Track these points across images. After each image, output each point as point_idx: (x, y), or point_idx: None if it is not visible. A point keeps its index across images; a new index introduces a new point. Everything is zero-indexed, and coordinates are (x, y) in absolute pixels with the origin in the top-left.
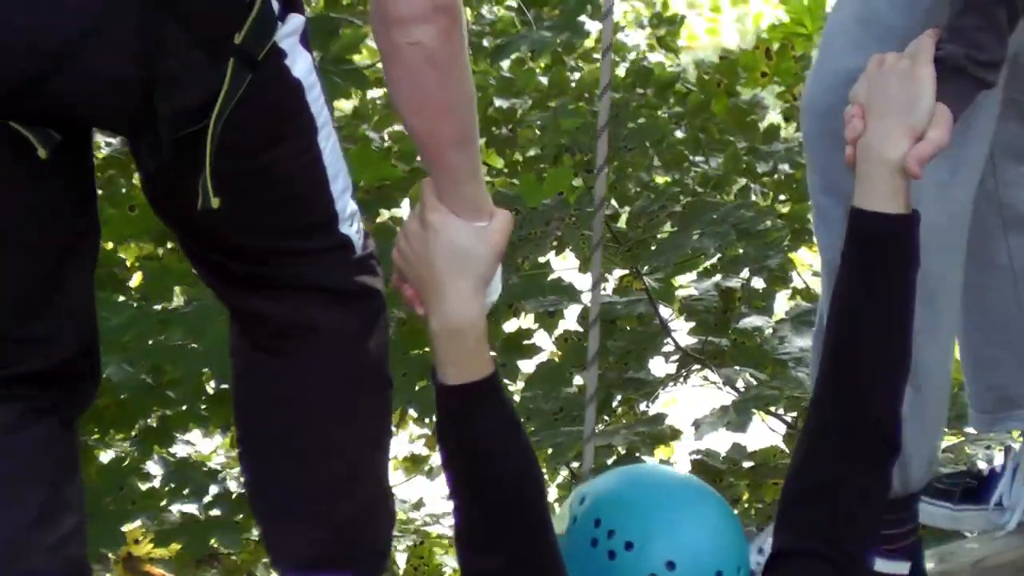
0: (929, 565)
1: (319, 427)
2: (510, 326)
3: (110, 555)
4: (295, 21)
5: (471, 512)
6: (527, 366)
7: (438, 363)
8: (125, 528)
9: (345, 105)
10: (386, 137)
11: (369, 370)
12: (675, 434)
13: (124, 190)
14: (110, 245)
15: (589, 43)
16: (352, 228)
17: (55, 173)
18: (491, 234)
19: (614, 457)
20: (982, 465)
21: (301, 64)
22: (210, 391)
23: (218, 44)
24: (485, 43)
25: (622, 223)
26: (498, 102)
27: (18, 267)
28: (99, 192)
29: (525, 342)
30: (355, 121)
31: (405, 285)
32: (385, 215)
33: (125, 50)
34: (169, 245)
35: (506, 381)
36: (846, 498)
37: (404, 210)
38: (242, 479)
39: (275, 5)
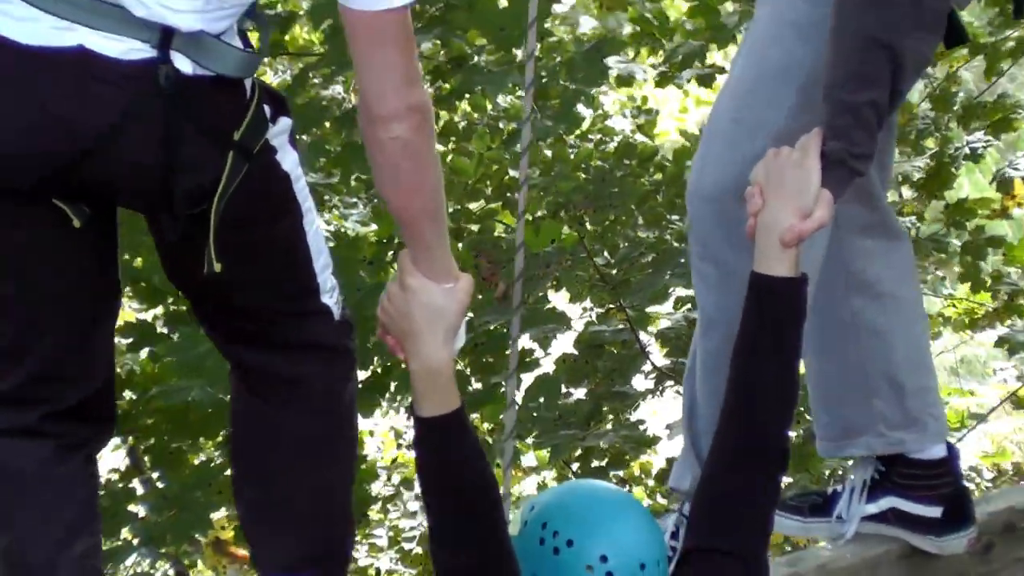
0: (782, 569)
1: (305, 464)
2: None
3: (201, 539)
4: (284, 123)
5: (442, 516)
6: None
7: (416, 398)
8: (213, 516)
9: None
10: None
11: (344, 415)
12: (654, 440)
13: None
14: None
15: (586, 125)
16: (331, 299)
17: (87, 241)
18: (457, 293)
19: (606, 459)
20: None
21: (289, 159)
22: None
23: (221, 139)
24: (501, 125)
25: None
26: (512, 172)
27: (57, 320)
28: None
29: (527, 360)
30: None
31: (388, 336)
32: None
33: (149, 142)
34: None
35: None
36: (748, 503)
37: None
38: None
39: (267, 109)
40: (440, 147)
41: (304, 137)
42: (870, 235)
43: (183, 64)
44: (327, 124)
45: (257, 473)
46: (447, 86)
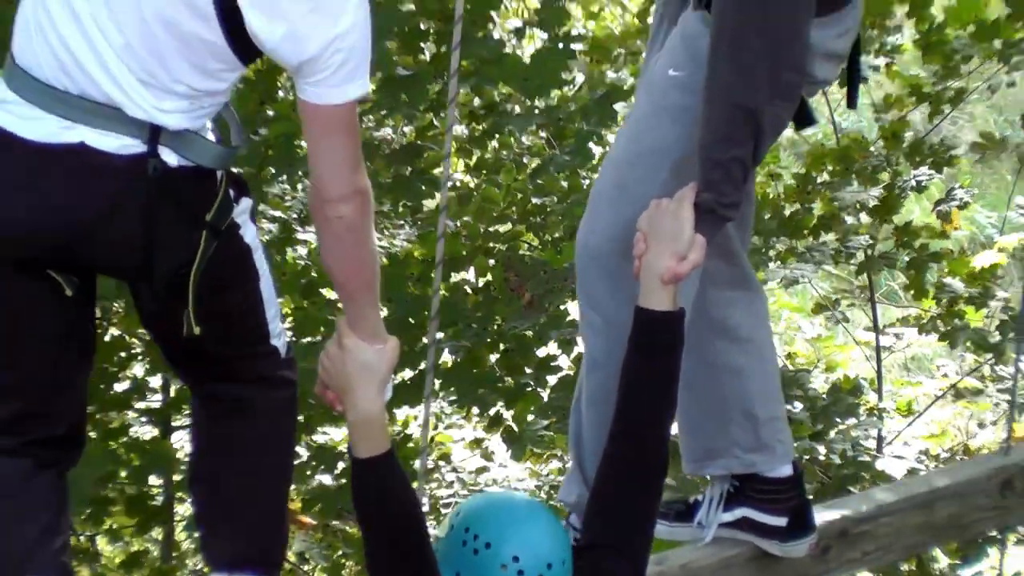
0: (650, 568)
1: (254, 474)
2: (541, 352)
3: None
4: (245, 203)
5: (377, 545)
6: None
7: (352, 443)
8: None
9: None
10: (458, 224)
11: (287, 435)
12: None
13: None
14: None
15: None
16: (279, 341)
17: (73, 305)
18: (387, 352)
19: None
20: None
21: (250, 233)
22: None
23: (195, 220)
24: (524, 160)
25: None
26: (535, 200)
27: (44, 368)
28: None
29: (552, 363)
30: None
31: (327, 391)
32: (456, 276)
33: (134, 225)
34: (314, 299)
35: (538, 389)
36: (632, 507)
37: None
38: None
39: (232, 192)
40: (474, 179)
41: None
42: (731, 288)
43: (169, 157)
44: (379, 160)
45: (208, 477)
46: (480, 127)
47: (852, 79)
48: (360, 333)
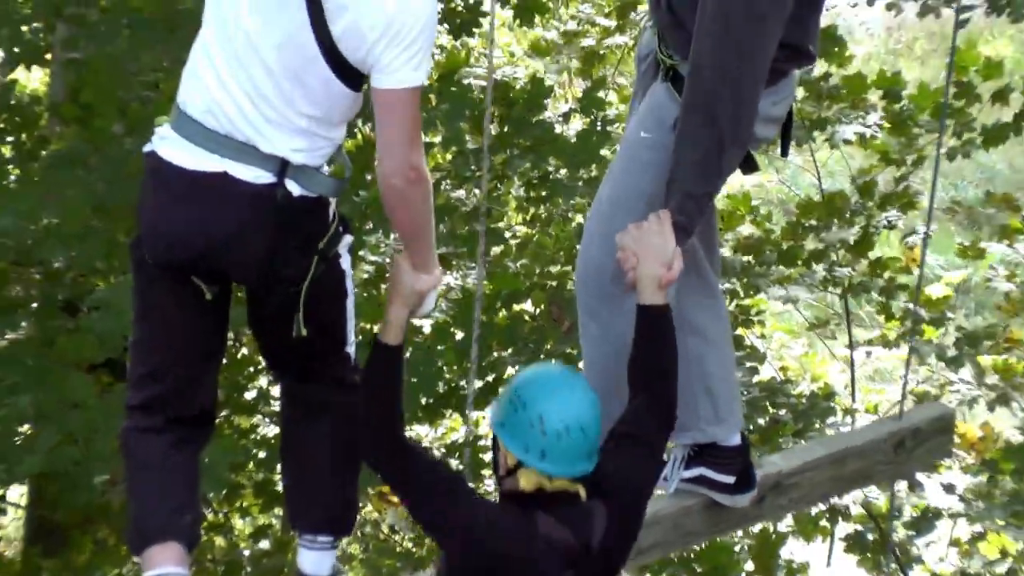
0: None
1: (328, 459)
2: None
3: (369, 490)
4: (347, 238)
5: (381, 400)
6: None
7: (382, 331)
8: None
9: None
10: (517, 265)
11: (350, 423)
12: None
13: (373, 293)
14: None
15: None
16: (352, 349)
17: (211, 308)
18: (421, 278)
19: None
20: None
21: (346, 262)
22: (422, 402)
23: (309, 247)
24: (570, 215)
25: None
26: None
27: (186, 358)
28: None
29: None
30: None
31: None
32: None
33: (260, 246)
34: None
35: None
36: (649, 424)
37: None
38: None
39: (340, 229)
40: (532, 230)
41: (442, 226)
42: (701, 296)
43: (293, 187)
44: (457, 218)
45: (293, 461)
46: (536, 193)
47: (786, 135)
48: (409, 260)
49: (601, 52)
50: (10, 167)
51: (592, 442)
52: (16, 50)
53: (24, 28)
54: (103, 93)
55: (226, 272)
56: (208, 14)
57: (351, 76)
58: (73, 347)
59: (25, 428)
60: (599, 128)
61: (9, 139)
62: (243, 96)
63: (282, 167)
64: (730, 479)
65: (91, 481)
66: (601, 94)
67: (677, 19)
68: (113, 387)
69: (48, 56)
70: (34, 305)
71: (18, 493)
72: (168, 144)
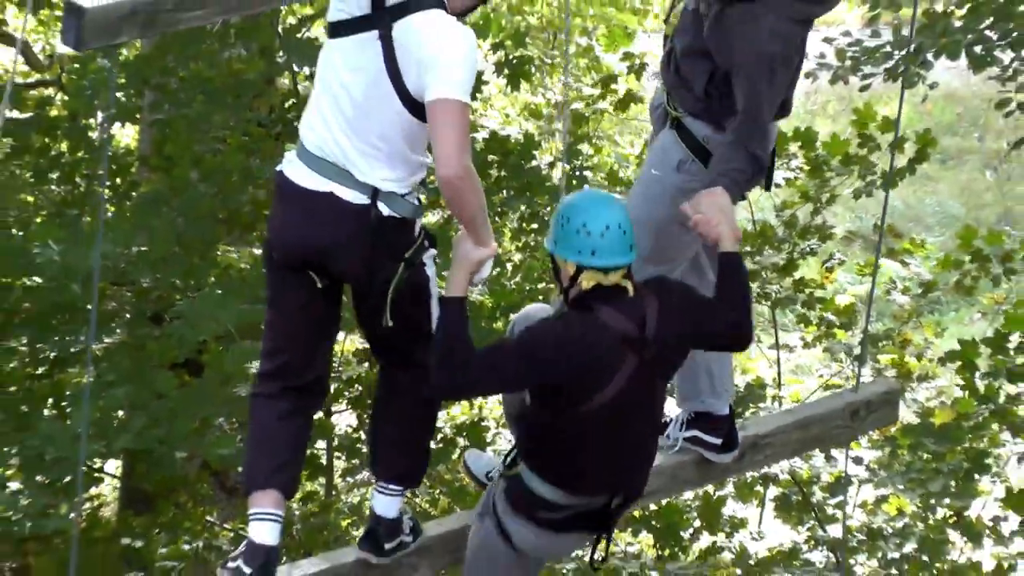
0: None
1: (407, 424)
2: None
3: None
4: (431, 251)
5: (457, 335)
6: None
7: (448, 290)
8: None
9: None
10: (512, 282)
11: (431, 401)
12: None
13: None
14: None
15: None
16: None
17: (323, 296)
18: (475, 251)
19: None
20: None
21: (430, 270)
22: None
23: (398, 256)
24: None
25: None
26: None
27: (304, 334)
28: None
29: None
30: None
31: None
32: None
33: (359, 253)
34: None
35: None
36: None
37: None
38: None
39: (426, 243)
40: (524, 256)
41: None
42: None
43: (384, 209)
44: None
45: (387, 420)
46: (527, 226)
47: (770, 172)
48: (468, 238)
49: (587, 115)
50: (108, 205)
51: (629, 237)
52: (113, 112)
53: (120, 94)
54: (182, 147)
55: (335, 272)
56: (319, 72)
57: (418, 108)
58: (158, 350)
59: (119, 414)
60: (578, 175)
61: (108, 183)
62: (341, 133)
63: (374, 193)
64: (718, 440)
65: (173, 457)
66: (581, 147)
67: (683, 80)
68: (190, 381)
69: (138, 116)
70: (127, 316)
71: (114, 466)
72: (291, 166)
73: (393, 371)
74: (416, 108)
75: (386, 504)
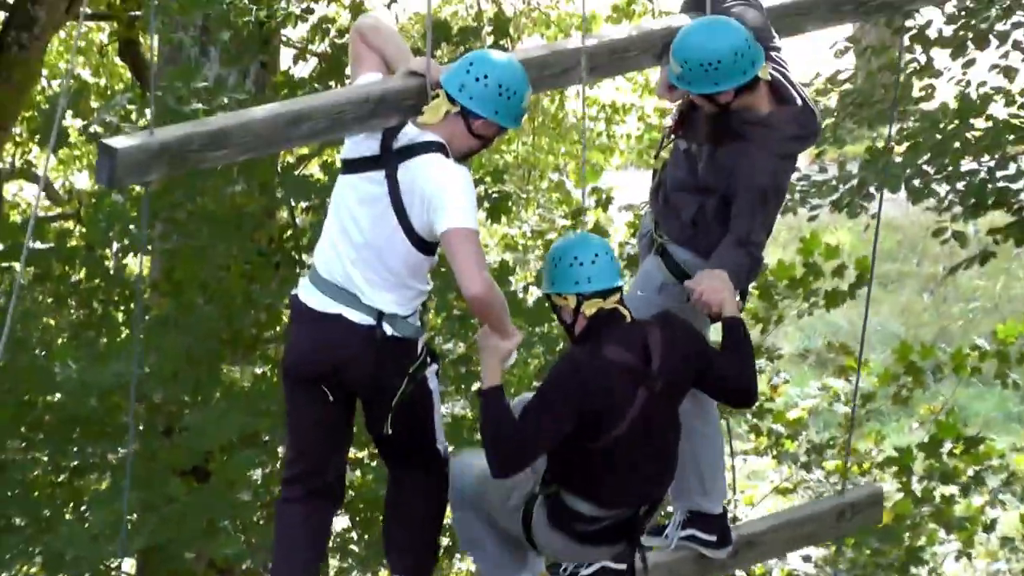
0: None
1: (416, 524)
2: None
3: None
4: (434, 366)
5: (504, 419)
6: None
7: (485, 380)
8: None
9: None
10: None
11: (440, 503)
12: None
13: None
14: None
15: None
16: (442, 447)
17: (335, 408)
18: (501, 344)
19: None
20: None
21: (433, 383)
22: None
23: (403, 369)
24: None
25: None
26: None
27: (320, 442)
28: None
29: None
30: None
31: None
32: None
33: (367, 369)
34: None
35: None
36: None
37: None
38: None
39: (428, 359)
40: None
41: None
42: (694, 405)
43: (388, 329)
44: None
45: (395, 521)
46: None
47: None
48: (494, 334)
49: None
50: (121, 327)
51: (616, 263)
52: (126, 242)
53: (132, 226)
54: (189, 274)
55: (345, 385)
56: (333, 201)
57: (422, 243)
58: (169, 458)
59: (133, 516)
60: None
61: (121, 307)
62: (348, 262)
63: (379, 315)
64: (713, 537)
65: (183, 554)
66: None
67: (672, 210)
68: (197, 487)
69: (149, 247)
70: (140, 427)
71: (129, 564)
72: (305, 290)
73: (400, 475)
74: (418, 241)
75: None
